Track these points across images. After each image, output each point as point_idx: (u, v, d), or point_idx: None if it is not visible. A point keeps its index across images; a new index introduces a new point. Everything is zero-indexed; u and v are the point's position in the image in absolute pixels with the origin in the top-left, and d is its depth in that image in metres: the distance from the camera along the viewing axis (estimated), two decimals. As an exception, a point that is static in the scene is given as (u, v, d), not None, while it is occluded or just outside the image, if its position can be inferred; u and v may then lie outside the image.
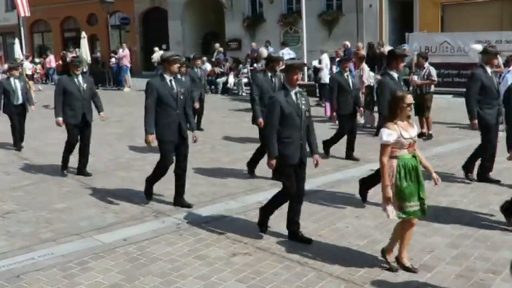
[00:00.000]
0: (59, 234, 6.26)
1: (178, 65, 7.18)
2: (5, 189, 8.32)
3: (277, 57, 8.93)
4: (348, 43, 17.87)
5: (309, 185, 6.84)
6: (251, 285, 4.88)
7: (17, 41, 21.55)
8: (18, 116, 11.20)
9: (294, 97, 5.61)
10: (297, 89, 5.73)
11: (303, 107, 5.64)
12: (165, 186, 7.59)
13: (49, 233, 6.34)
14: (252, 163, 8.61)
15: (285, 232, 6.01)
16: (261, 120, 8.09)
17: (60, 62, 26.98)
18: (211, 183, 8.25)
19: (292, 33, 23.16)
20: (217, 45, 23.31)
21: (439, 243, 5.68)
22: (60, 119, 8.49)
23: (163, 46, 26.45)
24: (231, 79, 20.81)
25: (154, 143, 6.97)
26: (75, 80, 8.48)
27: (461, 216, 6.45)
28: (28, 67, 23.28)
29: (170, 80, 6.82)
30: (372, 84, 12.41)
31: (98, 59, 28.63)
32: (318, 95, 16.84)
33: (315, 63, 17.18)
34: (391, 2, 20.98)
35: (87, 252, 5.68)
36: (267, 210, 6.04)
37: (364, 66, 12.70)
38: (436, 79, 11.24)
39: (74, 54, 22.37)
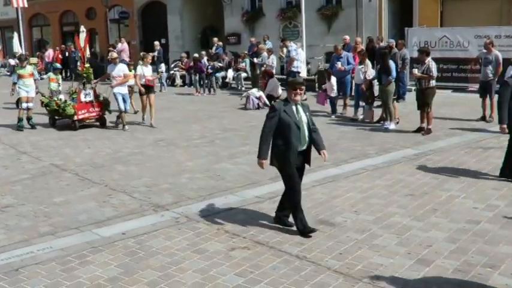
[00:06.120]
0: (57, 228, 6.27)
1: None
2: (3, 183, 8.32)
3: None
4: (347, 37, 17.84)
5: (309, 179, 6.85)
6: (249, 279, 4.90)
7: (15, 35, 21.40)
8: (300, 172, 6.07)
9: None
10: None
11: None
12: (165, 180, 7.62)
13: (48, 226, 6.35)
14: None
15: (284, 226, 6.02)
16: None
17: (60, 56, 26.88)
18: (210, 177, 8.25)
19: (292, 27, 23.09)
20: (215, 39, 23.26)
21: (437, 238, 5.69)
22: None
23: (163, 40, 26.40)
24: (230, 73, 20.78)
25: None
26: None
27: (459, 211, 6.47)
28: (144, 73, 13.51)
29: None
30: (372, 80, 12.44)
31: (96, 53, 28.56)
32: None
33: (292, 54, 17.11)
34: (390, -4, 20.92)
35: (85, 246, 5.70)
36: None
37: (368, 62, 12.79)
38: (434, 74, 11.15)
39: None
